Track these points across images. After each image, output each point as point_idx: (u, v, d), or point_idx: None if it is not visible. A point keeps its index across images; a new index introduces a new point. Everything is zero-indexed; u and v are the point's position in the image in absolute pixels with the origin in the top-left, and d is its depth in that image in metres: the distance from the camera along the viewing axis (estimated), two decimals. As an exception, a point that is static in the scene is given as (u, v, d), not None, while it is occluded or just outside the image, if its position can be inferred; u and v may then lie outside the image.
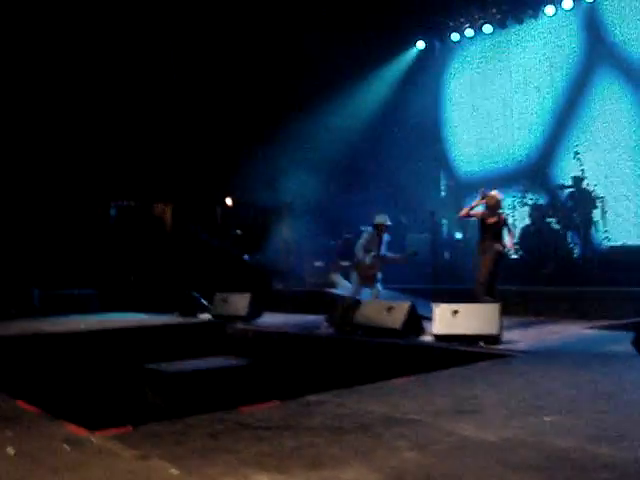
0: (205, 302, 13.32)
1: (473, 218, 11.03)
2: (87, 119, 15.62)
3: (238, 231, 16.87)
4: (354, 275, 11.75)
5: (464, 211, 10.97)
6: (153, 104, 16.14)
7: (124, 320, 12.59)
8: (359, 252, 11.52)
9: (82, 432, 4.46)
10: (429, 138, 18.85)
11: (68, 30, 14.91)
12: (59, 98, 15.26)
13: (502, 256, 10.58)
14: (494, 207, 10.56)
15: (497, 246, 10.34)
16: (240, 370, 8.86)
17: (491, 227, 10.47)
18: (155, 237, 16.71)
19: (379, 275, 11.56)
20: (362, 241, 11.58)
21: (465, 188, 18.25)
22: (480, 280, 10.24)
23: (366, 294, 11.42)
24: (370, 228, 11.71)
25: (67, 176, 15.57)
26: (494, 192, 10.74)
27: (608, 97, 15.82)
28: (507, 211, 15.42)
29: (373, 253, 11.41)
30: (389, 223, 11.61)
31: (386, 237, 11.65)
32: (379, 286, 11.55)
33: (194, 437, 4.29)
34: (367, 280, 11.52)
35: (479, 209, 10.78)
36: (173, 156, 16.48)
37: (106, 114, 15.74)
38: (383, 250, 11.58)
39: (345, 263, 15.28)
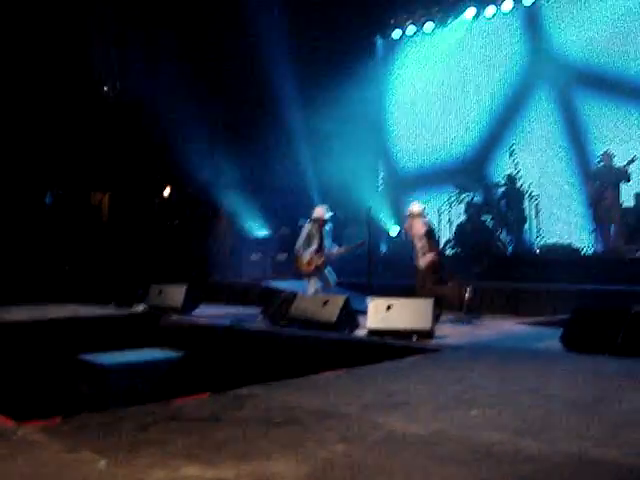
0: (141, 293, 13.19)
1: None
2: (24, 104, 15.30)
3: (176, 222, 16.74)
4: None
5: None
6: (93, 93, 15.91)
7: (57, 310, 12.38)
8: (299, 247, 11.53)
9: (8, 423, 4.39)
10: (369, 133, 18.95)
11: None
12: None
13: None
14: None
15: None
16: (173, 362, 8.82)
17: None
18: (91, 226, 16.48)
19: (327, 269, 11.58)
20: (302, 236, 11.60)
21: (403, 183, 18.43)
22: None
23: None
24: (308, 222, 11.73)
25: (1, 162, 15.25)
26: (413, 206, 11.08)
27: (545, 98, 16.14)
28: (443, 208, 15.71)
29: (313, 247, 11.42)
30: (328, 216, 11.64)
31: (328, 228, 11.68)
32: (329, 277, 11.62)
33: (124, 429, 4.25)
34: (308, 276, 11.52)
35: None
36: (112, 145, 16.27)
37: (45, 100, 15.45)
38: (327, 243, 11.59)
39: (282, 257, 15.31)
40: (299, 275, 11.72)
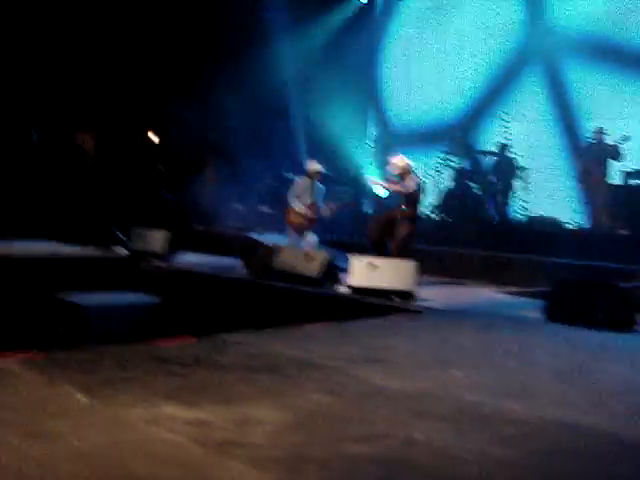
0: (121, 236, 13.09)
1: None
2: (7, 44, 15.01)
3: (161, 167, 16.58)
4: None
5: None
6: (79, 33, 15.62)
7: (35, 247, 12.27)
8: (290, 199, 11.47)
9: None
10: (362, 88, 18.80)
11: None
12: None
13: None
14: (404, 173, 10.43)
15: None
16: (153, 307, 8.78)
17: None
18: (75, 165, 16.29)
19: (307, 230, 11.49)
20: (293, 189, 11.54)
21: (393, 143, 18.34)
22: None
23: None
24: (300, 177, 11.64)
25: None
26: (397, 158, 10.65)
27: (540, 70, 16.04)
28: (430, 172, 15.64)
29: (308, 201, 11.38)
30: (323, 170, 11.58)
31: (321, 187, 11.59)
32: (311, 237, 11.47)
33: (104, 367, 4.23)
34: (298, 230, 11.47)
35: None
36: (100, 84, 16.02)
37: (29, 40, 15.17)
38: (319, 201, 11.52)
39: (265, 209, 15.23)
40: (287, 228, 11.64)
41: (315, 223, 11.57)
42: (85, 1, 15.55)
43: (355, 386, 4.11)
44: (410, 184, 10.29)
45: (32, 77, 15.33)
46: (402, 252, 9.85)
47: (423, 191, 10.92)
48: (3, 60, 14.93)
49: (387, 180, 10.99)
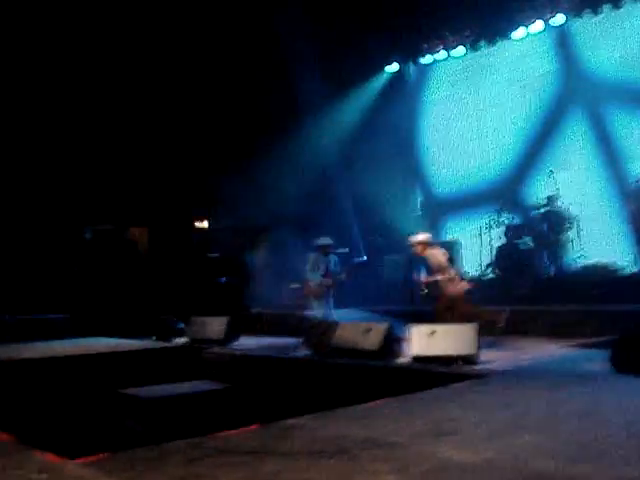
0: (182, 326, 13.23)
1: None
2: (63, 142, 15.53)
3: (215, 254, 16.80)
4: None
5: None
6: (127, 129, 16.10)
7: (99, 345, 12.47)
8: (307, 274, 12.16)
9: (57, 460, 4.39)
10: (404, 160, 18.90)
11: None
12: (32, 120, 15.19)
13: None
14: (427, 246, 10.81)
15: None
16: (218, 394, 8.79)
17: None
18: (130, 261, 16.60)
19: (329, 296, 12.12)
20: (308, 265, 12.20)
21: (440, 208, 18.35)
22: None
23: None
24: (311, 252, 12.30)
25: (41, 199, 15.45)
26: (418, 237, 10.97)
27: (579, 117, 16.00)
28: (483, 231, 15.58)
29: (321, 272, 12.01)
30: (329, 242, 12.28)
31: (333, 258, 12.29)
32: (328, 308, 12.08)
33: (171, 463, 4.24)
34: (317, 298, 12.04)
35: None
36: (149, 180, 16.42)
37: (82, 137, 15.68)
38: (334, 270, 12.19)
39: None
40: (308, 299, 12.14)
41: (335, 288, 12.20)
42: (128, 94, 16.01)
43: (425, 462, 4.05)
44: (437, 256, 10.66)
45: (84, 175, 15.77)
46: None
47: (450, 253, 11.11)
48: (56, 159, 15.42)
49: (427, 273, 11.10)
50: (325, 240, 12.32)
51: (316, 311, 11.92)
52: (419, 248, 10.82)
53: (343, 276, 12.25)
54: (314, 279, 12.04)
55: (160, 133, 16.38)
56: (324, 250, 12.21)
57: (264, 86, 16.99)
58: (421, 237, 10.95)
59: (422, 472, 3.87)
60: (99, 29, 15.22)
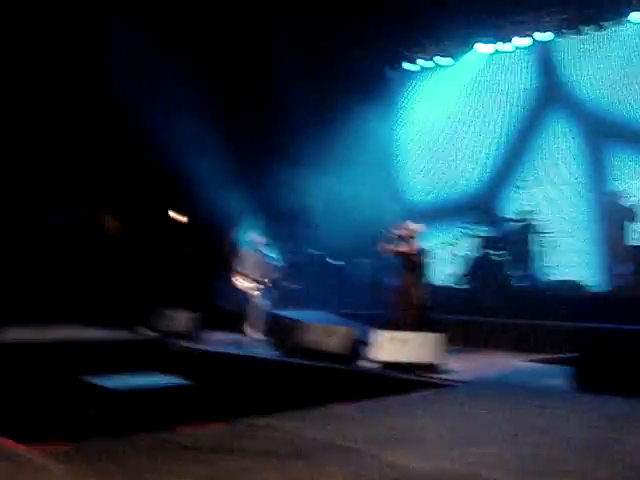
0: (147, 316, 13.15)
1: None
2: (34, 127, 15.36)
3: (187, 248, 16.72)
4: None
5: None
6: (105, 118, 15.97)
7: (60, 332, 12.34)
8: (237, 268, 13.22)
9: (14, 446, 4.39)
10: (381, 166, 18.89)
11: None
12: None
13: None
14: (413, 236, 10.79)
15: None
16: (182, 390, 8.79)
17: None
18: (98, 247, 16.47)
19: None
20: (239, 259, 13.23)
21: (414, 215, 18.40)
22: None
23: None
24: (245, 248, 13.31)
25: (10, 185, 15.27)
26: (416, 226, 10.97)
27: (557, 134, 16.16)
28: (455, 241, 15.71)
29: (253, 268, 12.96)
30: (264, 240, 13.28)
31: (265, 253, 13.27)
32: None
33: (132, 457, 4.26)
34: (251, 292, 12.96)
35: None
36: (125, 168, 16.29)
37: (53, 122, 15.52)
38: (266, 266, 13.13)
39: (290, 285, 15.38)
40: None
41: (270, 285, 13.05)
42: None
43: (380, 469, 4.11)
44: (414, 245, 10.60)
45: (52, 159, 15.58)
46: (419, 321, 9.98)
47: (427, 257, 10.96)
48: (24, 143, 15.23)
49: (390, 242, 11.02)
50: (253, 235, 13.21)
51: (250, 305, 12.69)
52: (408, 236, 10.72)
53: (277, 275, 13.10)
54: (244, 274, 12.84)
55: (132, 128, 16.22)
56: (254, 245, 13.02)
57: (242, 82, 16.99)
58: (418, 227, 10.93)
59: (376, 478, 3.93)
60: (97, 28, 15.10)
